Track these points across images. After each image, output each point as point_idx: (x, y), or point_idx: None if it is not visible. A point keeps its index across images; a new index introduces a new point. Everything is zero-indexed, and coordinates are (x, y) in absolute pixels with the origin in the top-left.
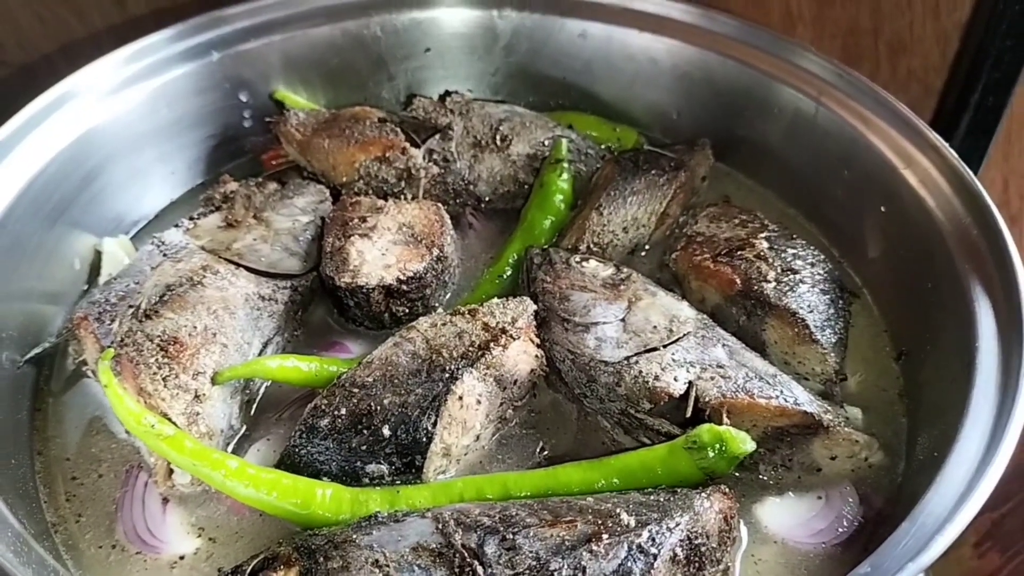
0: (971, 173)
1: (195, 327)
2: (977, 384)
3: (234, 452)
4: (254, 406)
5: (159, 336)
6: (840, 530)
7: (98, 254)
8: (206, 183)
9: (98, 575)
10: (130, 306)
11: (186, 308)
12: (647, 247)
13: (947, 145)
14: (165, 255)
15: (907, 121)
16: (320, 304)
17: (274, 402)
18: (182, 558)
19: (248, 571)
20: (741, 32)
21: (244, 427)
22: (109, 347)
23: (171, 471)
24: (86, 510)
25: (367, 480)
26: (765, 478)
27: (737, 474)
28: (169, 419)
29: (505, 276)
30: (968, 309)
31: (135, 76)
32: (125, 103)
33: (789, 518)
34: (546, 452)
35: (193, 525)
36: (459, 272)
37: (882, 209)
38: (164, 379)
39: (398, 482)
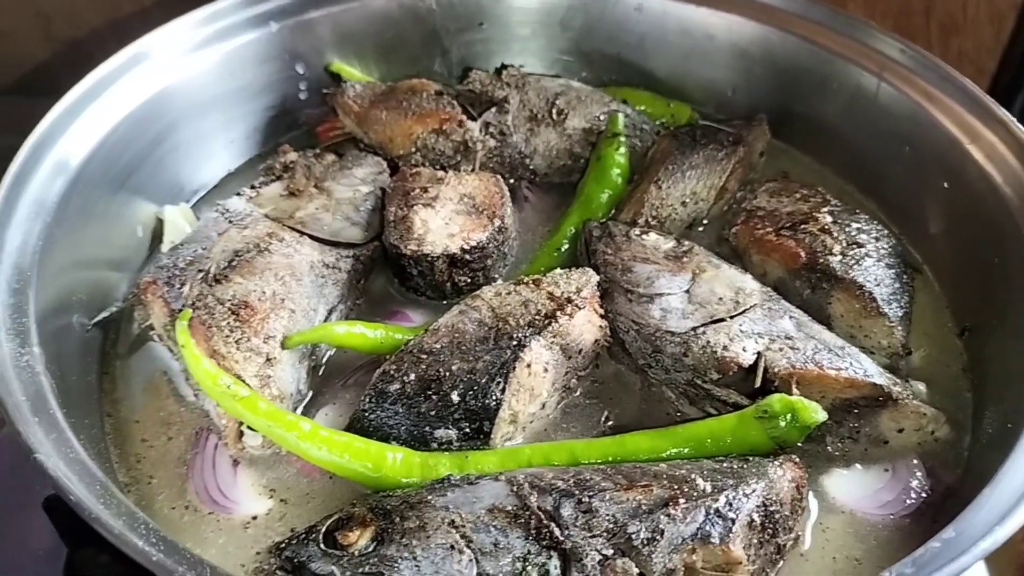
0: None
1: (264, 292)
2: None
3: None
4: (320, 372)
5: (230, 300)
6: (908, 502)
7: (160, 222)
8: (263, 154)
9: (173, 533)
10: (199, 271)
11: (255, 273)
12: (705, 222)
13: (1015, 119)
14: (231, 222)
15: (972, 96)
16: (380, 274)
17: (339, 368)
18: (255, 518)
19: (323, 531)
20: (801, 7)
21: (310, 392)
22: (181, 310)
23: (241, 433)
24: (157, 472)
25: (435, 445)
26: (832, 450)
27: (804, 446)
28: (243, 381)
29: (563, 249)
30: None
31: (206, 40)
32: (195, 66)
33: (856, 489)
34: (611, 422)
35: (264, 487)
36: (517, 245)
37: (945, 185)
38: (236, 342)
39: (466, 447)
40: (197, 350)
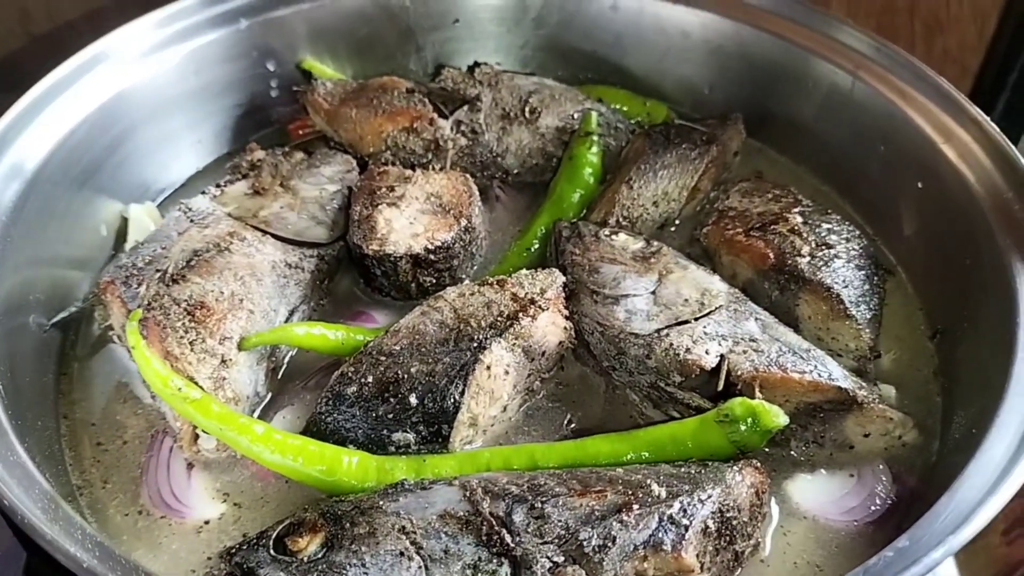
0: (1013, 147)
1: (222, 292)
2: (1018, 362)
3: (259, 419)
4: (280, 373)
5: (186, 300)
6: (872, 508)
7: (124, 221)
8: (232, 152)
9: (125, 539)
10: (157, 270)
11: (213, 273)
12: (677, 222)
13: (988, 119)
14: (192, 221)
15: (947, 95)
16: (346, 274)
17: (300, 370)
18: (207, 523)
19: (274, 536)
20: (776, 4)
21: (269, 394)
22: (138, 310)
23: (197, 436)
24: (111, 476)
25: (393, 449)
26: (796, 455)
27: (768, 450)
28: (196, 383)
29: (533, 249)
30: (1009, 285)
31: (166, 40)
32: (155, 68)
33: (821, 495)
34: (573, 425)
35: (218, 490)
36: (486, 244)
37: (919, 185)
38: (191, 343)
39: (424, 451)
40: (148, 351)
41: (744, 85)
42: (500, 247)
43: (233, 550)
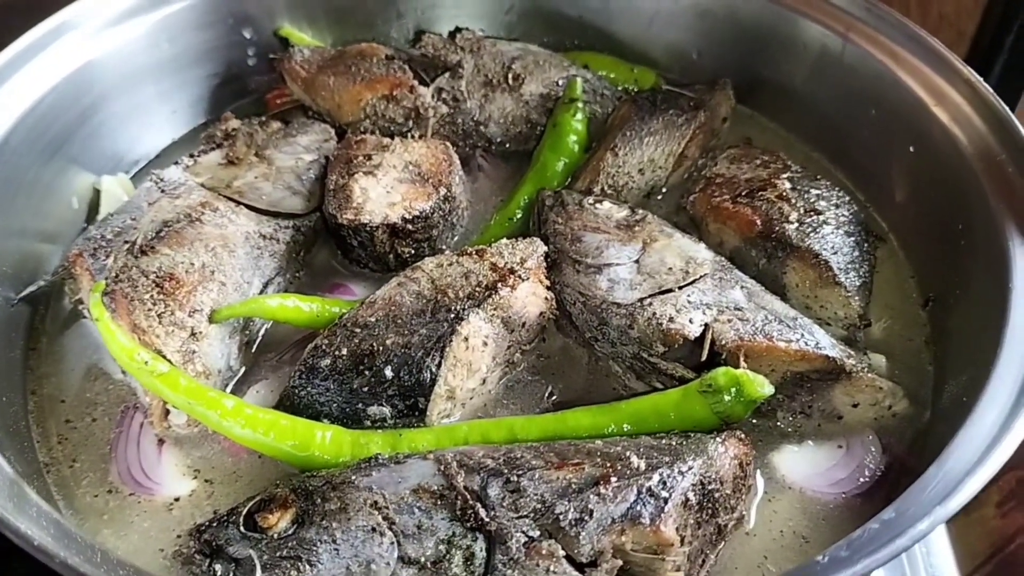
0: (1007, 108)
1: (192, 264)
2: (1010, 329)
3: (233, 393)
4: (254, 347)
5: (155, 272)
6: (861, 480)
7: (97, 193)
8: (209, 123)
9: (92, 518)
10: (126, 242)
11: (183, 245)
12: (664, 190)
13: (981, 80)
14: (163, 191)
15: (939, 56)
16: (324, 246)
17: (275, 343)
18: (177, 500)
19: (244, 513)
20: None
21: (243, 368)
22: (102, 282)
23: (167, 411)
24: (80, 454)
25: (369, 423)
26: (783, 426)
27: (754, 421)
28: (164, 356)
29: (516, 219)
30: (1002, 251)
31: (135, 8)
32: (125, 36)
33: (808, 467)
34: (555, 397)
35: (189, 467)
36: (468, 215)
37: (911, 149)
38: (159, 316)
39: (400, 425)
40: (113, 324)
41: (733, 50)
42: (482, 217)
43: (203, 527)
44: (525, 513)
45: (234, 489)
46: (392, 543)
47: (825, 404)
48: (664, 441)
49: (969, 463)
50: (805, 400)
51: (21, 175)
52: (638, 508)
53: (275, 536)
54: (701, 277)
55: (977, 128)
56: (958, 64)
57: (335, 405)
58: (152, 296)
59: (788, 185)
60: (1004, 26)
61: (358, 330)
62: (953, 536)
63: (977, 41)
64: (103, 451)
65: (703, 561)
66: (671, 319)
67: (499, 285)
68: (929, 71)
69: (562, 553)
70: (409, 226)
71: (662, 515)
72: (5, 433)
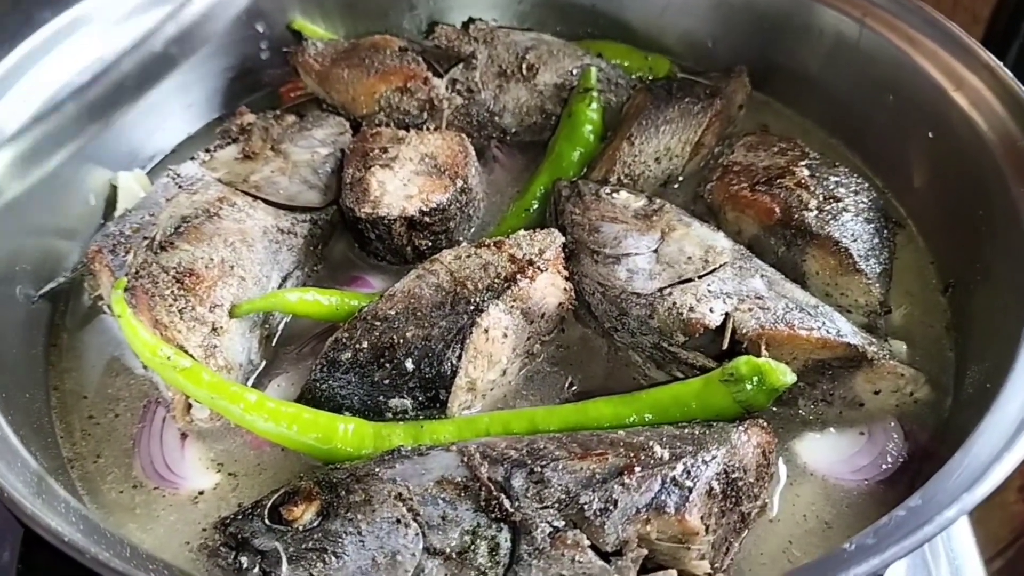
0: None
1: (212, 259)
2: None
3: (254, 387)
4: (274, 340)
5: (174, 268)
6: (884, 467)
7: (114, 189)
8: (224, 117)
9: (118, 512)
10: (145, 238)
11: (202, 240)
12: (680, 179)
13: (1000, 64)
14: (180, 187)
15: (957, 40)
16: (341, 239)
17: (294, 337)
18: (202, 493)
19: (269, 505)
20: None
21: (264, 362)
22: (123, 279)
23: (190, 406)
24: (103, 449)
25: (390, 415)
26: (805, 413)
27: (776, 409)
28: (186, 352)
29: (532, 210)
30: (1019, 237)
31: (148, 2)
32: (138, 30)
33: (830, 454)
34: (575, 388)
35: (212, 460)
36: (484, 206)
37: (929, 135)
38: (180, 311)
39: (422, 417)
40: (135, 320)
41: (749, 37)
42: (498, 208)
43: (228, 520)
44: (550, 503)
45: (258, 482)
46: (417, 534)
47: (847, 391)
48: (687, 431)
49: (995, 449)
50: (827, 388)
51: (36, 173)
52: (663, 497)
53: (300, 528)
54: (721, 266)
55: (997, 113)
56: (977, 49)
57: (356, 398)
58: (173, 292)
59: (806, 172)
60: (1019, 10)
61: (378, 323)
62: (974, 522)
63: (992, 25)
64: (126, 446)
65: (727, 549)
66: (691, 308)
67: (518, 276)
68: (947, 56)
69: (587, 543)
70: (427, 218)
71: (687, 504)
72: (29, 429)
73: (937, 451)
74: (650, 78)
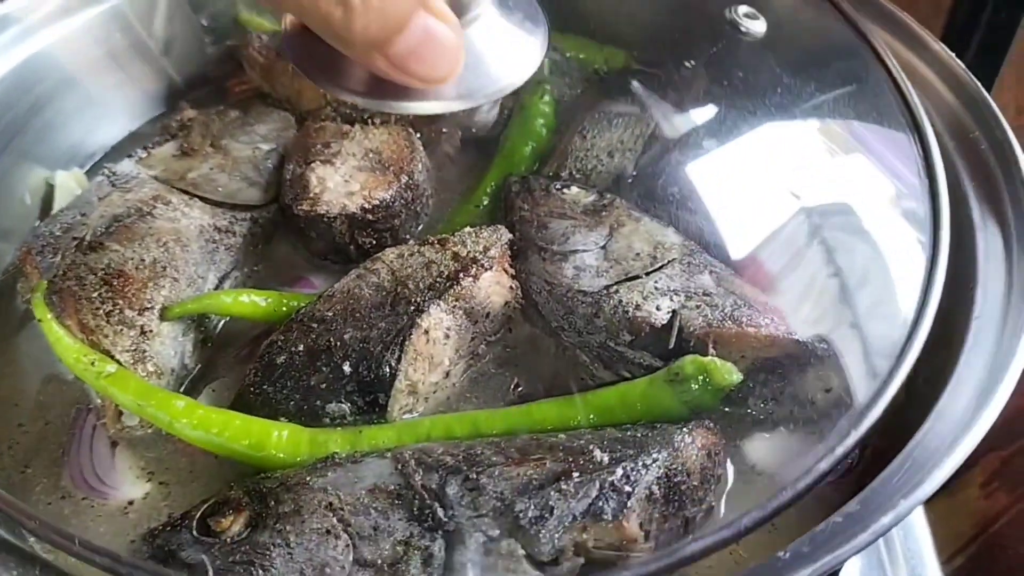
0: (978, 83)
1: (143, 260)
2: (978, 312)
3: (188, 393)
4: (210, 344)
5: (103, 269)
6: (835, 467)
7: (50, 188)
8: (167, 113)
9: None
10: (74, 238)
11: (133, 240)
12: (634, 173)
13: (953, 55)
14: (115, 185)
15: (910, 32)
16: (284, 238)
17: (233, 340)
18: (131, 503)
19: (197, 516)
20: None
21: (199, 366)
22: (41, 281)
23: (121, 412)
24: (31, 459)
25: (328, 420)
26: (755, 413)
27: (726, 409)
28: (113, 357)
29: (482, 206)
30: (971, 229)
31: None
32: (75, 26)
33: (780, 454)
34: (521, 389)
35: (143, 469)
36: (432, 203)
37: None
38: (107, 314)
39: (361, 422)
40: (56, 324)
41: (704, 29)
42: (448, 206)
43: (155, 532)
44: (484, 512)
45: (190, 490)
46: (347, 546)
47: (797, 390)
48: (629, 433)
49: (936, 451)
50: (776, 386)
51: None
52: (600, 504)
53: (228, 540)
54: (669, 262)
55: (950, 105)
56: (930, 39)
57: (292, 403)
58: (100, 294)
59: None
60: (980, 1)
61: (315, 325)
62: (935, 518)
63: (953, 15)
64: (55, 455)
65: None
66: (637, 307)
67: (461, 275)
68: (901, 47)
69: (522, 552)
70: (369, 216)
71: (625, 510)
72: None
73: (888, 450)
74: (605, 71)
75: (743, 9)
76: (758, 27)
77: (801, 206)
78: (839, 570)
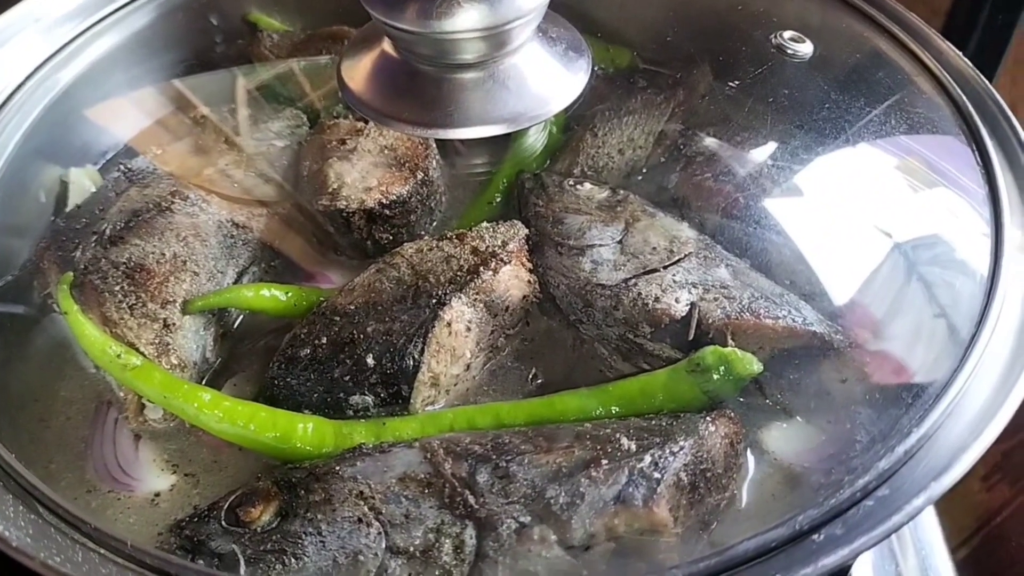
0: (982, 76)
1: (163, 254)
2: (995, 304)
3: (209, 385)
4: (230, 337)
5: (124, 263)
6: (852, 455)
7: (64, 185)
8: (178, 112)
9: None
10: (94, 233)
11: (153, 234)
12: (644, 170)
13: (958, 51)
14: (131, 181)
15: (916, 31)
16: (300, 234)
17: (251, 334)
18: (158, 495)
19: (225, 507)
20: None
21: (219, 359)
22: (69, 273)
23: (143, 406)
24: (55, 454)
25: (351, 412)
26: (772, 403)
27: (743, 399)
28: (137, 349)
29: (495, 203)
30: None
31: None
32: (88, 25)
33: (798, 443)
34: (540, 381)
35: (167, 461)
36: (446, 200)
37: None
38: (130, 307)
39: (384, 414)
40: (82, 317)
41: (708, 27)
42: (461, 202)
43: (183, 522)
44: (515, 499)
45: (216, 481)
46: (379, 533)
47: (814, 380)
48: (654, 422)
49: (962, 436)
50: (793, 377)
51: None
52: (630, 490)
53: (258, 530)
54: (686, 256)
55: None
56: (935, 37)
57: (316, 395)
58: (123, 288)
59: (770, 162)
60: (977, 2)
61: (337, 318)
62: (939, 511)
63: (951, 18)
64: (78, 449)
65: (696, 541)
66: (656, 299)
67: (481, 269)
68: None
69: (554, 538)
70: (386, 211)
71: (655, 496)
72: None
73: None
74: (612, 69)
75: (788, 33)
76: (805, 49)
77: (894, 242)
78: (851, 564)
